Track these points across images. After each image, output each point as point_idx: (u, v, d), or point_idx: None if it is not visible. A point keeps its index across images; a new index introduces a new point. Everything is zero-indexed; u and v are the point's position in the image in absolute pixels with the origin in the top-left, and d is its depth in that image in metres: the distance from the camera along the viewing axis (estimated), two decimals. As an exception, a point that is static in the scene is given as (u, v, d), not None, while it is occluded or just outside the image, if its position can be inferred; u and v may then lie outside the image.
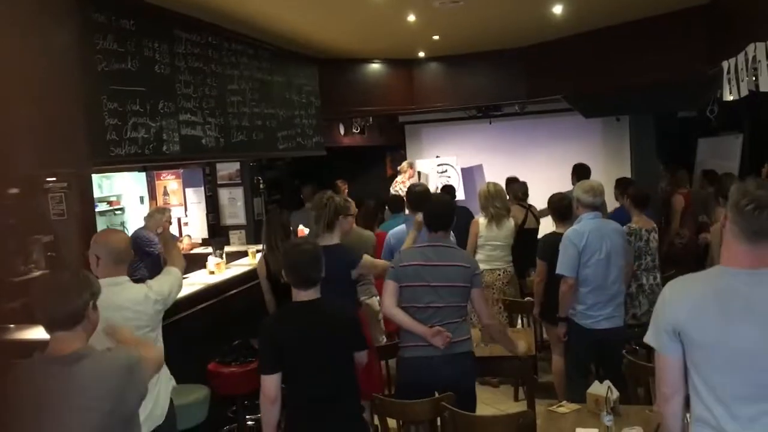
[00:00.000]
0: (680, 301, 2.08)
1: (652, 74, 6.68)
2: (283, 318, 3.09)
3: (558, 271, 4.28)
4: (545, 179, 7.25)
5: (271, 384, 2.89)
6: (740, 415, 1.99)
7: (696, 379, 2.06)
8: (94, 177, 6.53)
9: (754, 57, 4.27)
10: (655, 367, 2.18)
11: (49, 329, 2.25)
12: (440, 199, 3.95)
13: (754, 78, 4.44)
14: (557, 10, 6.13)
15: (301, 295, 3.01)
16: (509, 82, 8.30)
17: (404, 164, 9.36)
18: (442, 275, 3.55)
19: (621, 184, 6.50)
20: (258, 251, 6.29)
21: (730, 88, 5.06)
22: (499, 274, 5.62)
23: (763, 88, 4.18)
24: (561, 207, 4.70)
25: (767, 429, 1.99)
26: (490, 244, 5.60)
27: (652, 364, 4.07)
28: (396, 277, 3.59)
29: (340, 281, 3.86)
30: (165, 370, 3.23)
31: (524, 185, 6.66)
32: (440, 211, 3.72)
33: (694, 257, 6.54)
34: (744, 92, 4.72)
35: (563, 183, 6.83)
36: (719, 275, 2.08)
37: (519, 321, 5.66)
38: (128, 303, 3.05)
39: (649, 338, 2.15)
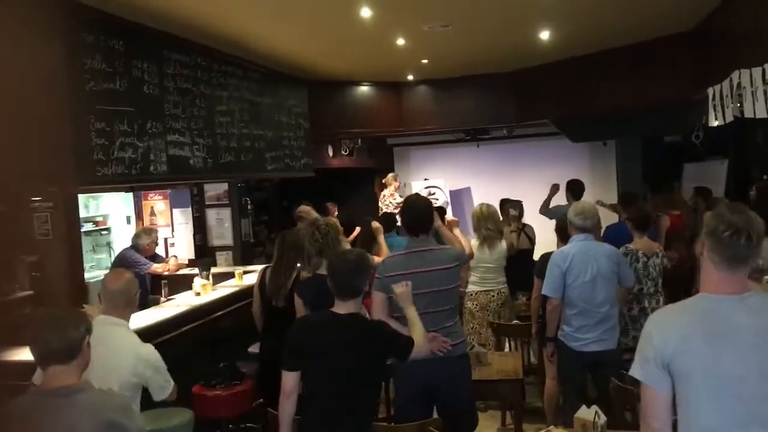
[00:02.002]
0: (666, 332, 2.04)
1: (638, 99, 6.76)
2: (315, 323, 3.07)
3: (543, 291, 4.30)
4: (533, 202, 7.26)
5: (289, 379, 2.95)
6: None
7: (685, 411, 2.04)
8: (81, 197, 6.47)
9: (739, 83, 4.33)
10: (642, 402, 2.11)
11: (43, 363, 2.22)
12: (418, 202, 3.83)
13: (738, 104, 4.49)
14: (544, 36, 6.20)
15: (340, 307, 2.98)
16: (497, 105, 8.37)
17: (389, 176, 9.36)
18: (431, 281, 3.52)
19: (622, 202, 6.57)
20: (245, 272, 6.25)
21: (715, 114, 5.11)
22: (493, 296, 5.59)
23: (747, 115, 4.23)
24: (564, 227, 4.69)
25: None
26: (482, 266, 5.58)
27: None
28: (384, 288, 3.53)
29: None
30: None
31: (517, 205, 6.65)
32: (420, 215, 3.69)
33: (684, 280, 6.53)
34: (729, 118, 4.77)
35: (552, 205, 6.88)
36: (701, 302, 2.07)
37: (507, 344, 5.63)
38: (112, 349, 2.97)
39: (635, 371, 2.10)
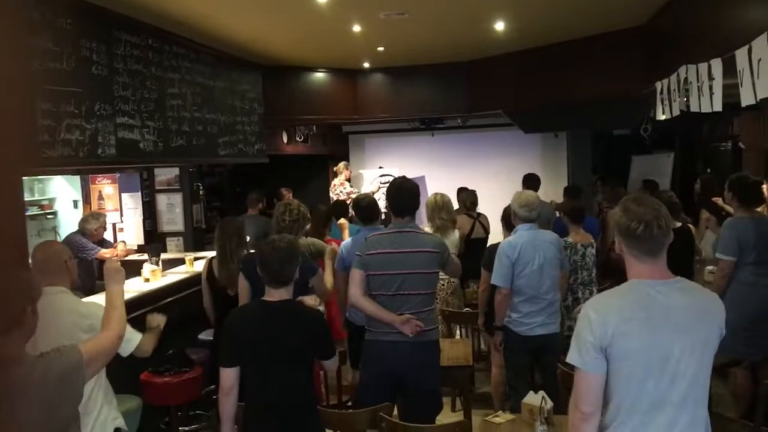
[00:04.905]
0: (606, 315, 2.09)
1: (589, 92, 6.86)
2: (249, 315, 3.03)
3: (492, 281, 4.34)
4: (486, 191, 7.34)
5: (227, 376, 2.92)
6: (660, 422, 2.07)
7: (614, 391, 2.10)
8: (25, 179, 6.29)
9: (686, 78, 4.43)
10: (575, 387, 2.17)
11: None
12: (405, 184, 3.77)
13: (685, 99, 4.60)
14: (499, 26, 6.25)
15: (272, 294, 2.96)
16: (452, 95, 8.42)
17: (340, 165, 9.44)
18: (412, 263, 3.51)
19: (567, 195, 6.68)
20: (196, 258, 6.17)
21: (663, 108, 5.24)
22: (443, 284, 5.62)
23: (693, 109, 4.34)
24: (509, 216, 4.70)
25: None
26: (434, 254, 5.60)
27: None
28: (363, 266, 3.52)
29: (301, 287, 3.82)
30: (112, 406, 3.10)
31: (473, 194, 6.70)
32: (407, 196, 3.66)
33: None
34: (676, 112, 4.89)
35: (503, 195, 6.92)
36: (637, 287, 2.13)
37: (458, 331, 5.69)
38: (54, 316, 2.91)
39: (572, 358, 2.15)
